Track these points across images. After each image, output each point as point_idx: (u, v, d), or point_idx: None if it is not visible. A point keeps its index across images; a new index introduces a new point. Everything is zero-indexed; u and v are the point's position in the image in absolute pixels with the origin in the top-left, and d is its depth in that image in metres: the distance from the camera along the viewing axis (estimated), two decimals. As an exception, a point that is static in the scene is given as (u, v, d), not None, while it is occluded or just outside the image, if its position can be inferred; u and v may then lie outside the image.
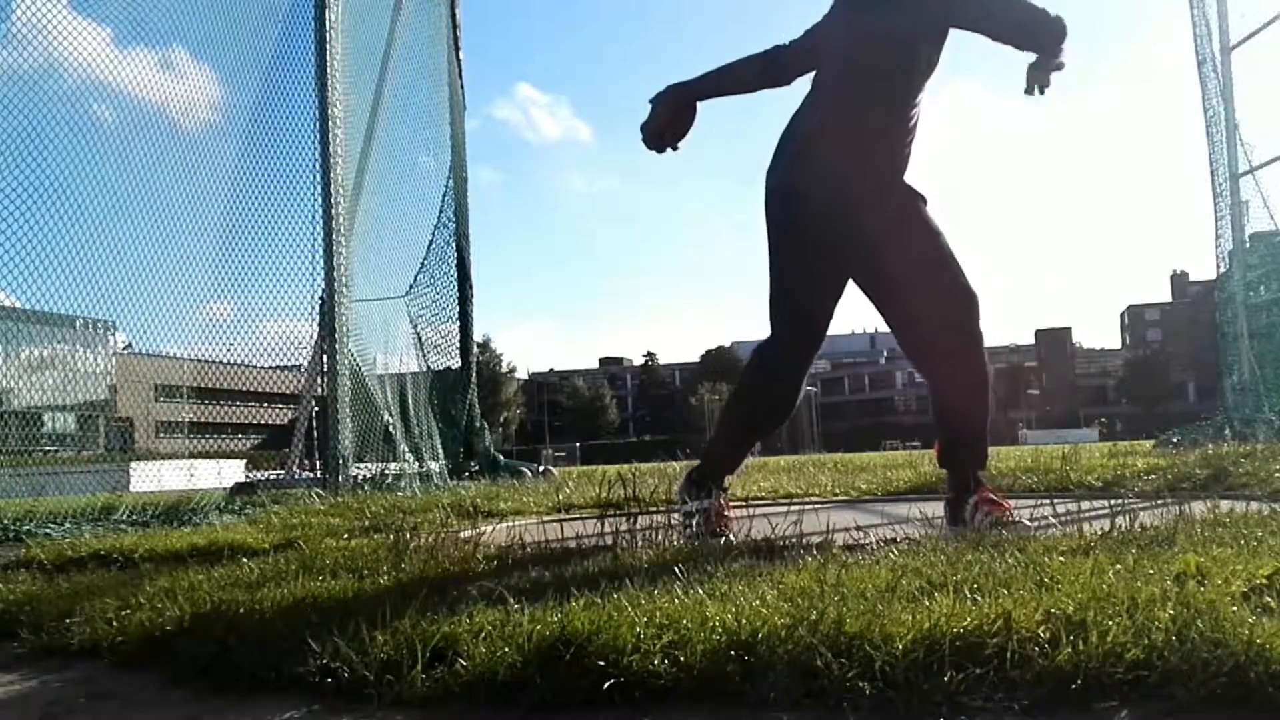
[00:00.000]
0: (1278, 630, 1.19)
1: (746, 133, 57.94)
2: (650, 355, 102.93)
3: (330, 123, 6.72)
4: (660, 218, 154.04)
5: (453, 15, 8.96)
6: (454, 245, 8.70)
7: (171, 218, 6.01)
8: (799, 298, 2.83)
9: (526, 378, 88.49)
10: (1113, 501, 2.62)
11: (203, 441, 8.61)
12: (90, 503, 5.55)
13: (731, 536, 2.61)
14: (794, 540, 2.32)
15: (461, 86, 9.10)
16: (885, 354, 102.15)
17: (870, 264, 2.83)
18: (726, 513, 2.93)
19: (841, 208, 2.76)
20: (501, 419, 64.68)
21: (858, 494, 4.81)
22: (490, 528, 3.65)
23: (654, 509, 3.10)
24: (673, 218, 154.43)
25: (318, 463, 7.11)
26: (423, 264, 8.17)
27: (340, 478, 6.52)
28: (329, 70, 6.76)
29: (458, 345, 8.83)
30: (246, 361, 6.66)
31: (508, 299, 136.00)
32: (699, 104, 2.95)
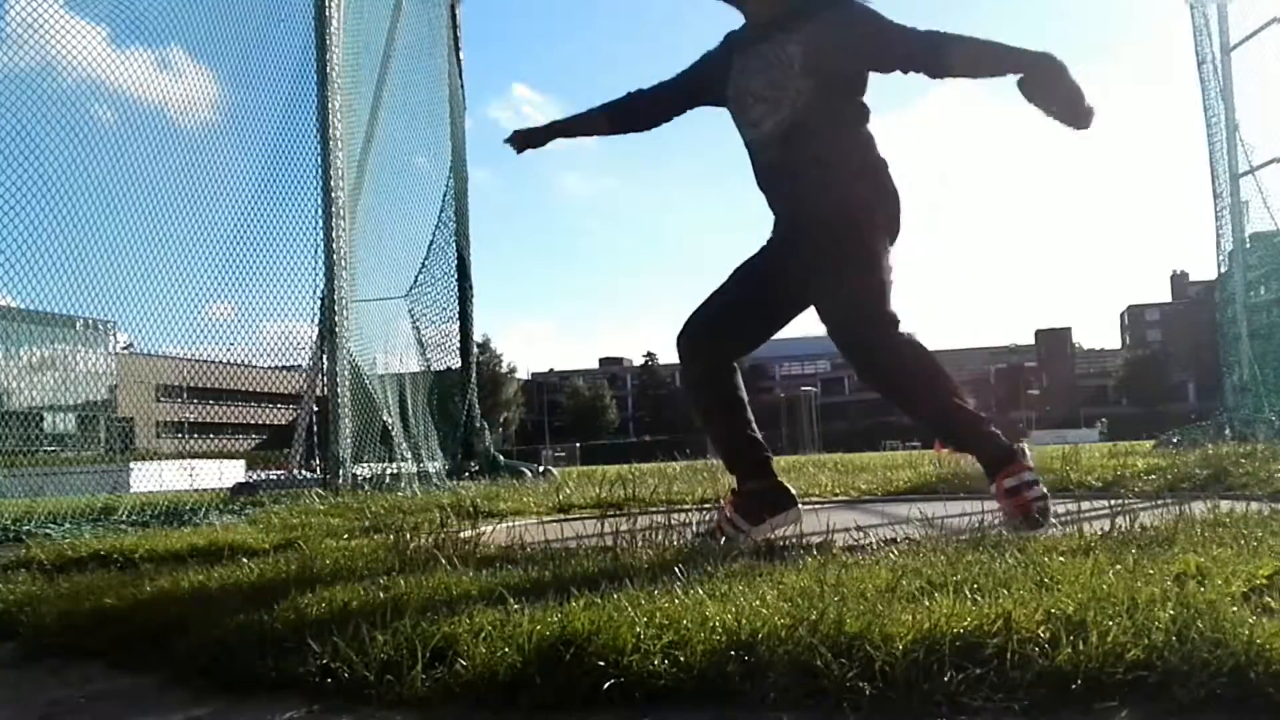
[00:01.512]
0: (1278, 630, 1.19)
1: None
2: (650, 355, 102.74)
3: (330, 122, 6.72)
4: (660, 217, 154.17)
5: (453, 15, 8.96)
6: (454, 245, 8.70)
7: (171, 218, 6.01)
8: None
9: (526, 378, 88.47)
10: (1113, 501, 2.62)
11: (203, 441, 8.61)
12: (90, 503, 5.55)
13: (722, 539, 2.59)
14: (794, 540, 2.32)
15: (462, 86, 9.10)
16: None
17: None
18: (728, 514, 2.86)
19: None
20: (501, 419, 64.66)
21: (858, 494, 4.80)
22: (490, 528, 3.65)
23: (654, 509, 3.09)
24: (673, 217, 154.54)
25: (317, 463, 7.10)
26: (423, 264, 8.17)
27: (340, 478, 6.52)
28: (329, 70, 6.76)
29: (458, 345, 8.82)
30: (246, 362, 6.66)
31: (508, 299, 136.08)
32: None
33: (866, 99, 2.86)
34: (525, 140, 3.21)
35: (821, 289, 2.79)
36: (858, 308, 2.73)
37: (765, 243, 2.95)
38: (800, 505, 2.86)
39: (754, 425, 2.93)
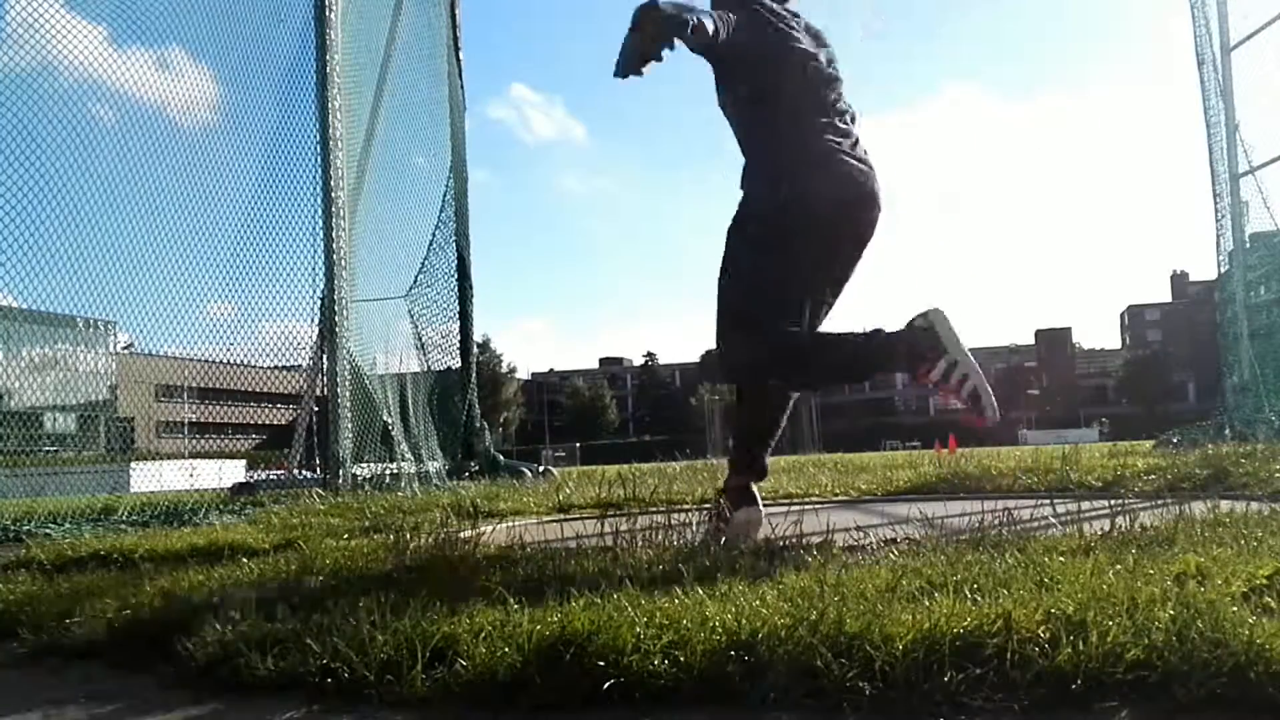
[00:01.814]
0: (1278, 630, 1.19)
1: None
2: (650, 355, 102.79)
3: (330, 122, 6.72)
4: (659, 217, 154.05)
5: (453, 15, 8.96)
6: (454, 245, 8.70)
7: (171, 218, 6.01)
8: None
9: (527, 378, 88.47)
10: (1113, 501, 2.63)
11: (203, 441, 8.61)
12: (90, 503, 5.55)
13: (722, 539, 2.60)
14: (794, 540, 2.32)
15: (461, 86, 9.10)
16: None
17: None
18: (724, 513, 2.88)
19: None
20: (501, 419, 64.67)
21: (858, 494, 4.80)
22: (490, 528, 3.65)
23: (654, 509, 3.09)
24: (672, 217, 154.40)
25: (318, 463, 7.10)
26: (423, 264, 8.16)
27: (340, 478, 6.52)
28: (329, 69, 6.76)
29: (458, 345, 8.82)
30: (246, 361, 6.66)
31: (508, 299, 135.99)
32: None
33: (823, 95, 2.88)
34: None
35: None
36: (720, 312, 2.82)
37: None
38: (760, 505, 2.90)
39: (777, 430, 3.00)
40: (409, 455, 7.13)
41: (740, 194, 2.95)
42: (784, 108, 2.82)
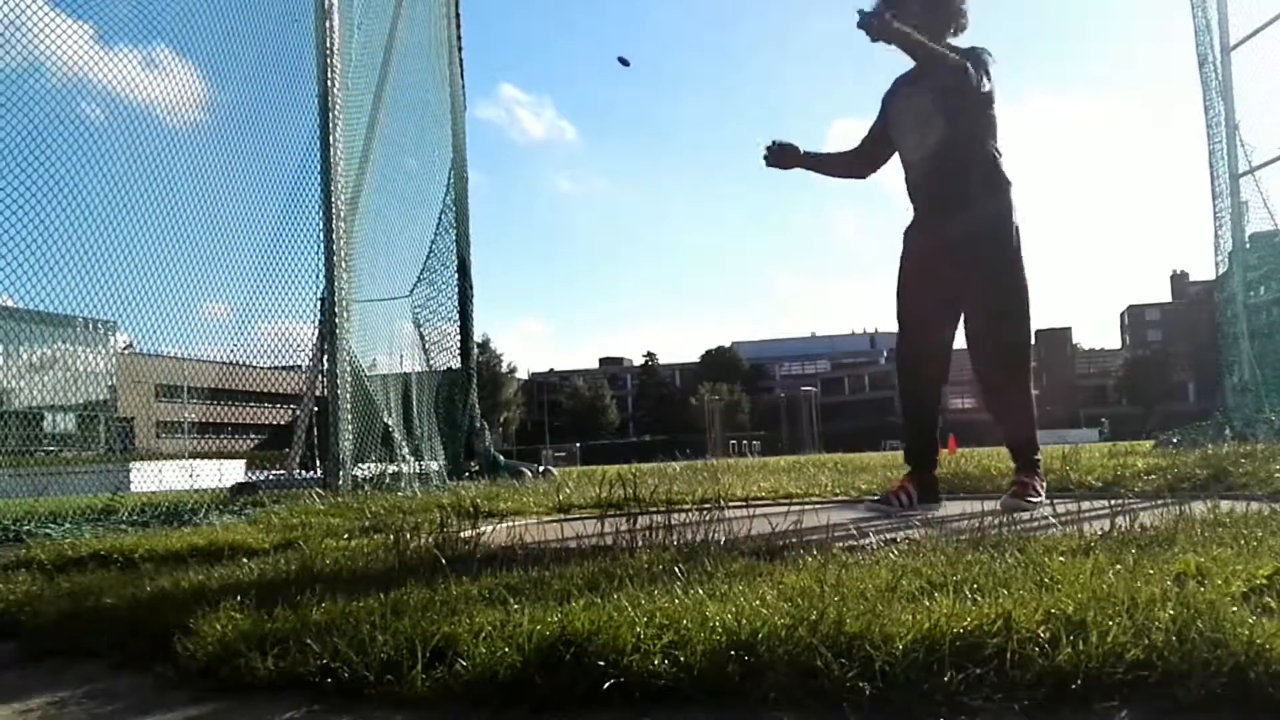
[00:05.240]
0: (1278, 630, 1.19)
1: (739, 131, 57.87)
2: (650, 355, 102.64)
3: (331, 122, 6.72)
4: (657, 216, 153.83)
5: (456, 14, 8.95)
6: (454, 245, 8.69)
7: (171, 219, 6.01)
8: None
9: (526, 378, 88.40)
10: (1113, 501, 2.62)
11: (203, 441, 8.62)
12: (91, 503, 5.55)
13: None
14: (794, 540, 2.32)
15: (463, 86, 9.09)
16: (885, 354, 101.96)
17: None
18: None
19: None
20: (501, 419, 64.65)
21: (858, 494, 4.80)
22: (490, 528, 3.64)
23: (654, 509, 3.09)
24: (669, 216, 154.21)
25: (318, 463, 7.10)
26: (424, 264, 8.17)
27: (340, 478, 6.52)
28: (330, 69, 6.76)
29: (458, 345, 8.82)
30: (246, 361, 6.66)
31: (508, 299, 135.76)
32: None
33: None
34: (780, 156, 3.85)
35: None
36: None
37: None
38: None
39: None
40: (409, 455, 7.13)
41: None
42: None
